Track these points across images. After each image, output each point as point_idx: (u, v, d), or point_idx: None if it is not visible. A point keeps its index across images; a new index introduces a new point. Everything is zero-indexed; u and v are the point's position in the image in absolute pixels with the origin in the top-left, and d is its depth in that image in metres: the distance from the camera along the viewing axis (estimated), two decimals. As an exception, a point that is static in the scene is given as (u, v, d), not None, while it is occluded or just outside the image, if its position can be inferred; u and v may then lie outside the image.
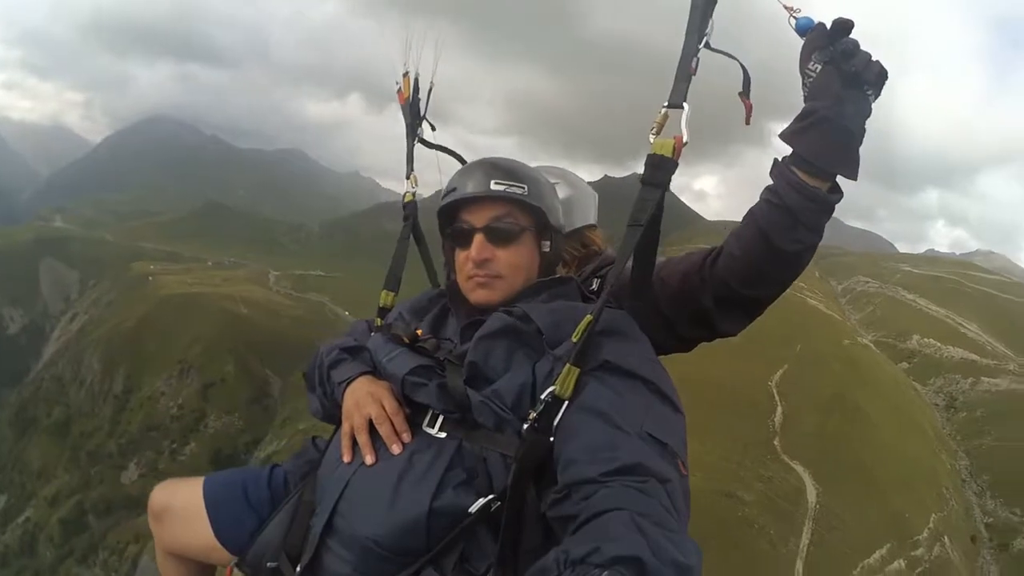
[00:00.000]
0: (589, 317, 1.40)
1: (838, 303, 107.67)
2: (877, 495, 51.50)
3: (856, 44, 1.38)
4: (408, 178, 2.28)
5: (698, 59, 1.50)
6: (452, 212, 1.73)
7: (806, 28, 1.45)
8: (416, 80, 2.26)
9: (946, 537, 55.42)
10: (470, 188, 1.66)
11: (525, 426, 1.35)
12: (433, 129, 2.31)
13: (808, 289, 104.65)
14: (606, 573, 0.97)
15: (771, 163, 1.56)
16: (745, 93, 1.49)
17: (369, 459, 1.48)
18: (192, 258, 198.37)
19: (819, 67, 1.44)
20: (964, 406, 76.74)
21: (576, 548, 1.05)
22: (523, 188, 1.66)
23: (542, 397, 1.35)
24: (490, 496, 1.36)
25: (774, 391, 60.62)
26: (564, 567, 1.03)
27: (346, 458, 1.53)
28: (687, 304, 1.70)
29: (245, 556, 1.68)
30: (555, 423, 1.33)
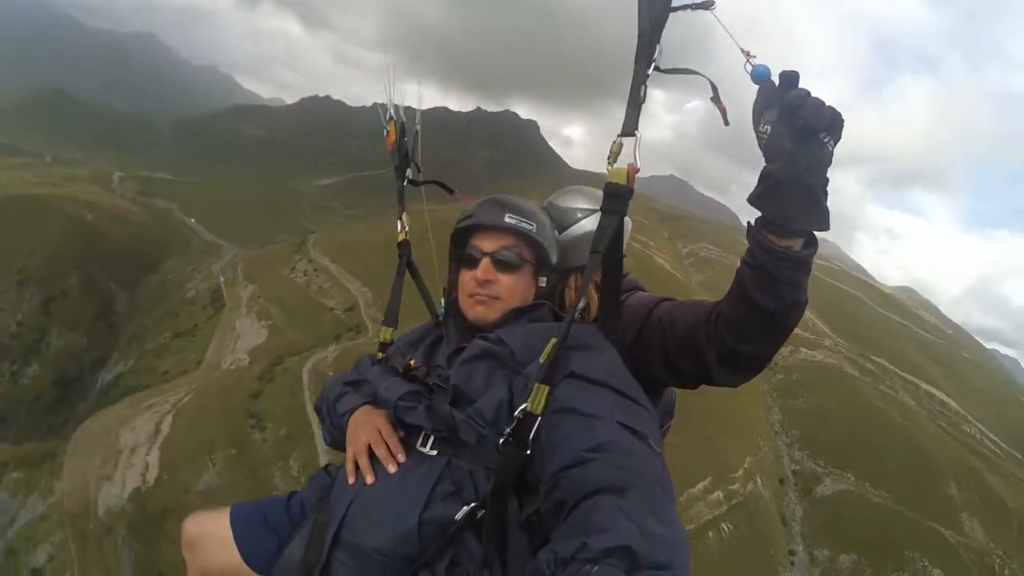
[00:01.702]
0: (555, 339, 1.49)
1: (683, 264, 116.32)
2: (701, 436, 57.54)
3: (803, 96, 1.37)
4: (400, 218, 2.39)
5: (647, 87, 1.52)
6: (464, 237, 1.91)
7: (762, 76, 1.44)
8: (402, 125, 2.37)
9: (759, 477, 63.22)
10: (486, 218, 1.84)
11: (501, 440, 1.46)
12: (419, 171, 2.42)
13: (656, 248, 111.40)
14: (596, 568, 0.97)
15: (746, 226, 1.61)
16: (716, 99, 1.49)
17: (369, 479, 1.61)
18: (30, 152, 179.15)
19: (769, 128, 1.45)
20: (782, 370, 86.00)
21: (564, 546, 1.07)
22: (532, 226, 1.83)
23: (515, 414, 1.45)
24: (472, 504, 1.47)
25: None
26: (555, 567, 1.05)
27: (350, 480, 1.66)
28: (691, 352, 1.78)
29: (270, 575, 1.82)
30: (530, 436, 1.42)
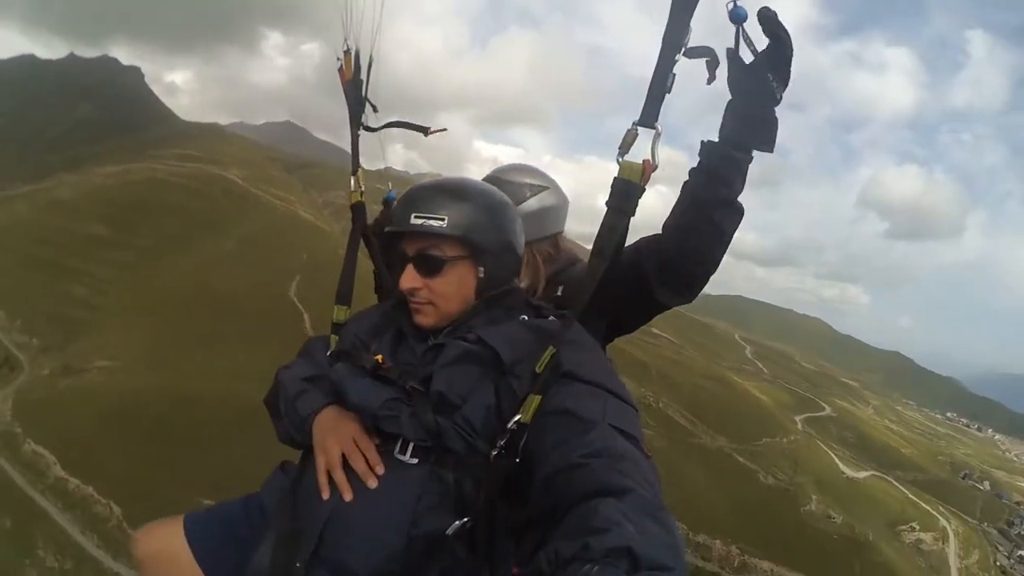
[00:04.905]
0: (552, 350, 1.44)
1: (323, 215, 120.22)
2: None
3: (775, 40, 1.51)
4: (354, 175, 2.10)
5: (674, 75, 1.43)
6: (393, 240, 1.74)
7: (740, 18, 1.46)
8: (357, 56, 2.06)
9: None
10: (395, 222, 1.67)
11: (494, 453, 1.40)
12: (375, 111, 2.10)
13: (298, 202, 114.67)
14: (597, 568, 0.95)
15: (699, 144, 1.74)
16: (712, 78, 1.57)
17: (347, 496, 1.51)
18: None
19: (735, 63, 1.57)
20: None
21: (565, 547, 1.03)
22: (442, 220, 1.60)
23: (508, 426, 1.40)
24: (464, 519, 1.41)
25: (295, 299, 69.93)
26: (556, 568, 1.01)
27: (324, 495, 1.54)
28: (632, 276, 1.84)
29: None
30: (520, 445, 1.39)
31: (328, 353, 1.87)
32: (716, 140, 1.71)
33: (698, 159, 1.75)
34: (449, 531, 1.42)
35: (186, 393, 51.11)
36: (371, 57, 2.08)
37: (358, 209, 2.11)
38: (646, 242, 1.91)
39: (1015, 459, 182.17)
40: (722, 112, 1.70)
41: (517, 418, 1.41)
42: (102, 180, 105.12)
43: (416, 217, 1.62)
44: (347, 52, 2.08)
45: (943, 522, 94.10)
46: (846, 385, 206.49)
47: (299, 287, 73.51)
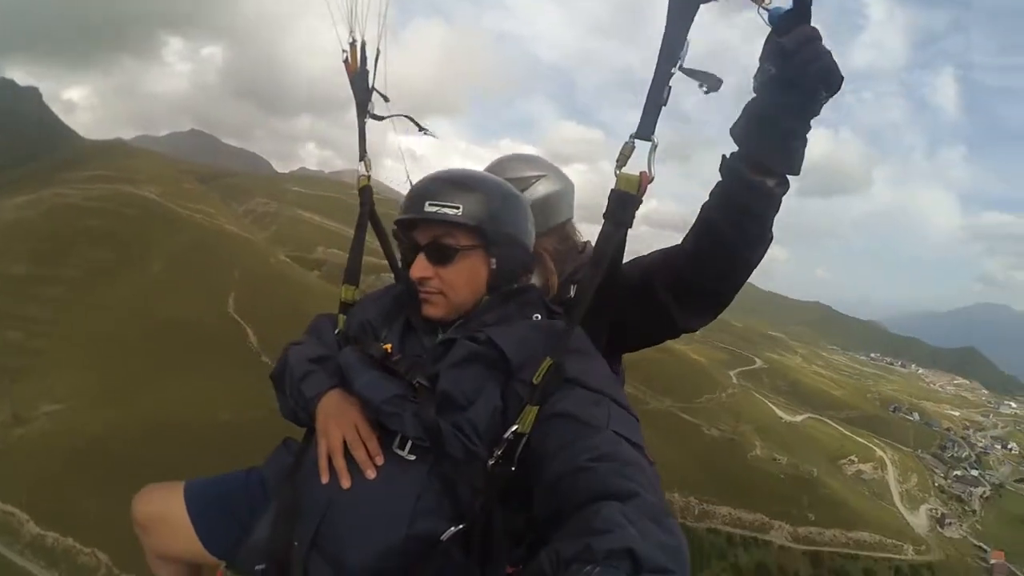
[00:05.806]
0: (550, 361, 1.42)
1: (245, 224, 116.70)
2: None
3: (816, 52, 1.36)
4: (362, 160, 2.13)
5: (670, 88, 1.40)
6: (405, 228, 1.72)
7: (778, 18, 1.37)
8: (363, 48, 2.10)
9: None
10: (408, 210, 1.65)
11: (491, 462, 1.38)
12: (386, 100, 2.15)
13: (218, 215, 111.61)
14: (598, 569, 0.94)
15: (720, 159, 1.57)
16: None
17: (345, 483, 1.50)
18: None
19: (773, 70, 1.40)
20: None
21: (567, 547, 1.02)
22: (456, 208, 1.59)
23: (505, 436, 1.38)
24: (460, 525, 1.39)
25: (235, 316, 68.43)
26: (558, 568, 1.01)
27: (323, 479, 1.53)
28: (646, 299, 1.75)
29: (233, 560, 1.73)
30: (517, 454, 1.37)
31: (336, 333, 1.89)
32: (742, 165, 1.54)
33: (721, 182, 1.61)
34: (444, 536, 1.40)
35: (144, 425, 49.81)
36: (378, 49, 2.13)
37: (366, 192, 2.15)
38: (659, 267, 1.81)
39: (940, 389, 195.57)
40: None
41: (515, 428, 1.39)
42: (12, 213, 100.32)
43: (430, 205, 1.61)
44: (353, 43, 2.13)
45: (880, 453, 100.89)
46: (773, 338, 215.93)
47: (236, 302, 71.43)
